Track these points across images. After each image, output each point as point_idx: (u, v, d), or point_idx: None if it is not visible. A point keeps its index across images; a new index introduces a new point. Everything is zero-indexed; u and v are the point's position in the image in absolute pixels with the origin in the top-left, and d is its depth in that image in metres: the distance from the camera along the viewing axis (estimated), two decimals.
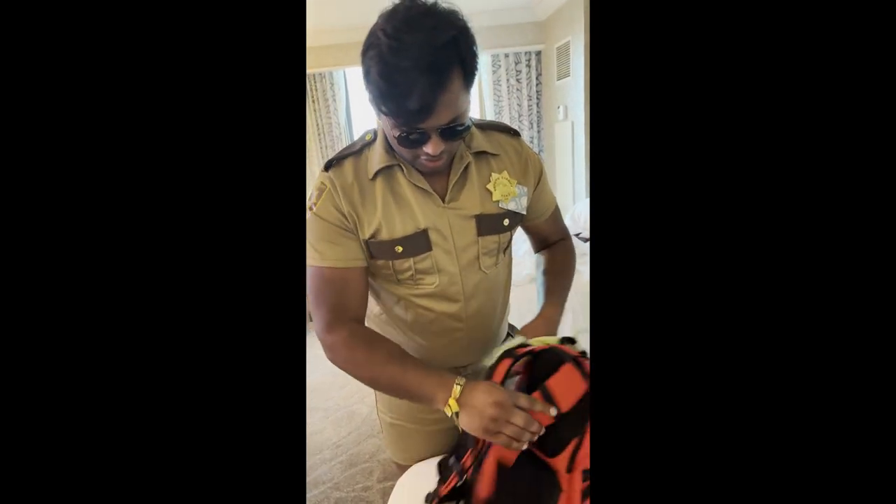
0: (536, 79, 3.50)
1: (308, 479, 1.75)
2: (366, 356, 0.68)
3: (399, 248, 0.71)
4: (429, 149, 0.62)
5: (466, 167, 0.73)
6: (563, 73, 3.06)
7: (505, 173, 0.76)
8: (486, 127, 0.79)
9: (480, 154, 0.75)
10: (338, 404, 2.23)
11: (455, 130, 0.62)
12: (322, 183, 0.71)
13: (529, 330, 0.76)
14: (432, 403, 0.63)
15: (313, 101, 3.69)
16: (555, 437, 0.58)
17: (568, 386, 0.59)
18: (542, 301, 0.82)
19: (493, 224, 0.75)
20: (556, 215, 0.89)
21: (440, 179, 0.73)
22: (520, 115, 3.58)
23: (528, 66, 3.46)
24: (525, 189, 0.78)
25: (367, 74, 0.59)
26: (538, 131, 3.59)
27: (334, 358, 0.71)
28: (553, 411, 0.58)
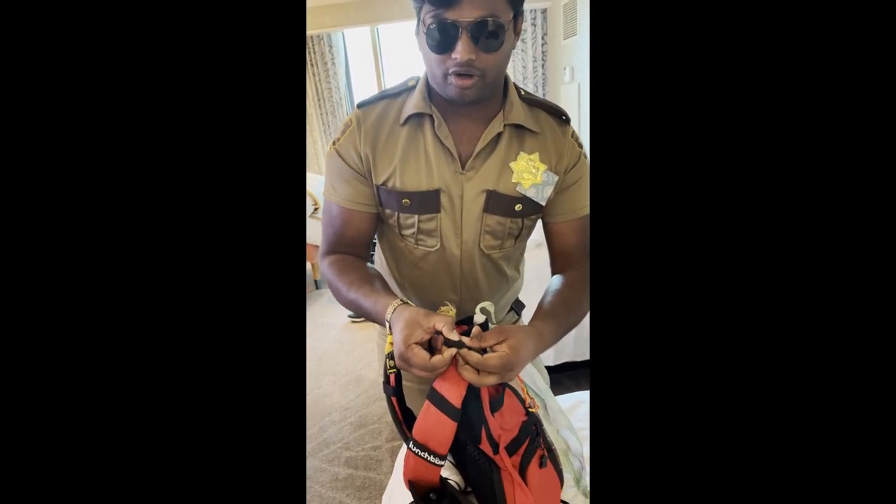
0: (542, 38, 3.38)
1: (319, 440, 1.81)
2: (339, 280, 0.71)
3: (406, 202, 0.71)
4: (457, 53, 0.60)
5: (498, 137, 0.70)
6: (570, 32, 2.95)
7: (536, 155, 0.70)
8: (534, 103, 0.74)
9: (516, 128, 0.71)
10: (346, 369, 2.29)
11: (486, 29, 0.59)
12: (350, 119, 0.73)
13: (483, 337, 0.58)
14: (382, 321, 0.64)
15: (312, 65, 3.60)
16: (468, 431, 0.59)
17: (453, 382, 0.56)
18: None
19: (502, 205, 0.71)
20: (581, 225, 0.76)
21: (467, 143, 0.70)
22: (524, 78, 3.47)
23: (534, 24, 3.34)
24: (555, 179, 0.72)
25: None
26: (544, 94, 3.49)
27: (326, 281, 0.75)
28: (457, 349, 0.55)
